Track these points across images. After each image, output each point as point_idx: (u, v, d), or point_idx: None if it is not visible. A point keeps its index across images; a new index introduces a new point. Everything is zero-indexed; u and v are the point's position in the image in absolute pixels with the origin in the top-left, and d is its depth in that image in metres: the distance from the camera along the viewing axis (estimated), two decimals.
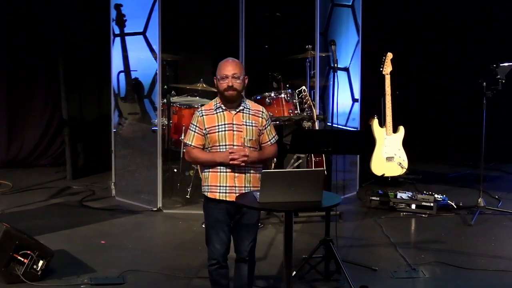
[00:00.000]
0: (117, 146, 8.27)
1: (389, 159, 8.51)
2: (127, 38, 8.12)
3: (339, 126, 8.13)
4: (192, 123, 4.82)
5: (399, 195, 7.76)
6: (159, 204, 7.73)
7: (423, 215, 7.58)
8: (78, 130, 9.29)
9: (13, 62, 9.53)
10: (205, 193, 4.81)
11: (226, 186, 4.74)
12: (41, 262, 5.59)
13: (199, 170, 6.93)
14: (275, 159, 7.53)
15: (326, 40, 8.21)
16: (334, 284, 5.72)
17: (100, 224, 7.28)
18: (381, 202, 7.83)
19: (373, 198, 7.87)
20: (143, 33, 7.96)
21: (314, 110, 7.66)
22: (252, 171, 4.77)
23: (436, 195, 7.69)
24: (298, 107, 7.76)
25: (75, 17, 9.11)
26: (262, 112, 4.83)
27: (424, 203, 7.63)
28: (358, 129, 8.44)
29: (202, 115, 4.78)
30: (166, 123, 7.78)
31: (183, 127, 7.54)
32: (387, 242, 6.76)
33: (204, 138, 4.78)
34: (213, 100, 4.87)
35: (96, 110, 9.52)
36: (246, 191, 4.74)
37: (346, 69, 8.53)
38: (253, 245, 4.87)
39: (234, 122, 4.74)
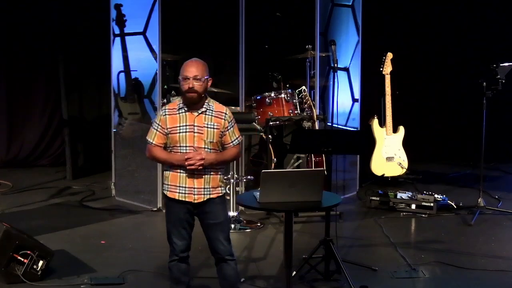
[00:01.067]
0: (117, 146, 8.27)
1: (389, 159, 8.51)
2: (127, 38, 8.11)
3: (339, 126, 8.13)
4: (155, 121, 4.83)
5: (399, 195, 7.76)
6: (159, 204, 7.72)
7: (423, 215, 7.58)
8: (78, 130, 9.29)
9: (13, 62, 9.52)
10: (165, 192, 4.82)
11: (185, 187, 4.74)
12: (41, 262, 5.59)
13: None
14: (274, 159, 7.55)
15: (326, 40, 8.22)
16: (334, 284, 5.72)
17: (100, 224, 7.28)
18: (381, 202, 7.82)
19: (373, 198, 7.87)
20: (143, 33, 7.95)
21: (314, 110, 7.66)
22: (212, 173, 4.76)
23: (436, 195, 7.68)
24: (298, 107, 7.76)
25: (75, 17, 9.10)
26: (225, 114, 4.78)
27: (424, 203, 7.62)
28: (358, 129, 8.44)
29: (165, 115, 4.77)
30: None
31: None
32: (387, 242, 6.76)
33: (165, 137, 4.77)
34: (178, 99, 4.88)
35: (96, 110, 9.52)
36: (205, 192, 4.74)
37: (346, 69, 8.53)
38: (228, 244, 4.82)
39: (195, 124, 4.72)
